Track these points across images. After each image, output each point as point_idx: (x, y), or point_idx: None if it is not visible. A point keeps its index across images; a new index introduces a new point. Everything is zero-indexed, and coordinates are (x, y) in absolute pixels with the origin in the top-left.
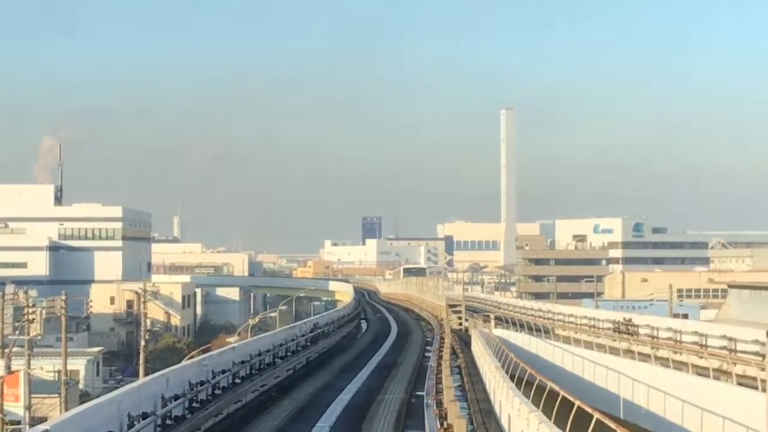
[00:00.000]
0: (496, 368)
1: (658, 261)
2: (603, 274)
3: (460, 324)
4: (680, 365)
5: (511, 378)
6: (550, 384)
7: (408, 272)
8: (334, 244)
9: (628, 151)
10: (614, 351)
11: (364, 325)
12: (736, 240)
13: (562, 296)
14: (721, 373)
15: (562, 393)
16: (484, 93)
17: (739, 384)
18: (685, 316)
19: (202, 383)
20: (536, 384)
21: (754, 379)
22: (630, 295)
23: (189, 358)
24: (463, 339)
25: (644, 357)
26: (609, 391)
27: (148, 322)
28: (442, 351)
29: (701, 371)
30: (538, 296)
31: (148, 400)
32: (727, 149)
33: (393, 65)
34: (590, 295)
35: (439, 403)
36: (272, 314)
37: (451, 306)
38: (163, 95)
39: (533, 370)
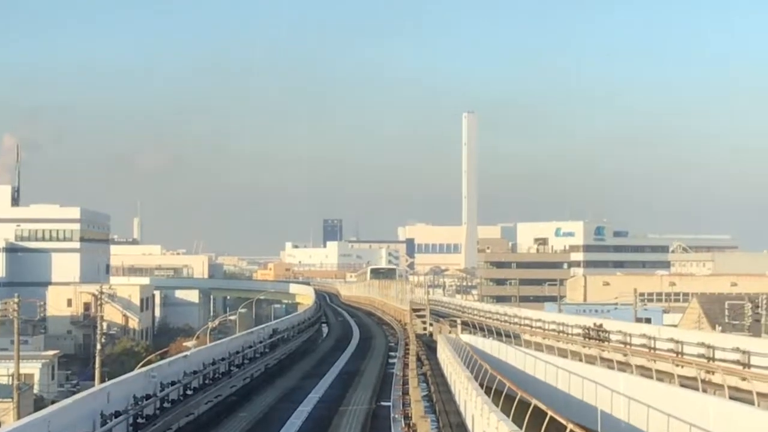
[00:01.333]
0: (467, 378)
1: (618, 264)
2: (564, 278)
3: (425, 329)
4: (663, 376)
5: (485, 389)
6: (534, 401)
7: (376, 273)
8: (295, 247)
9: (589, 155)
10: (590, 359)
11: (324, 329)
12: (696, 244)
13: (524, 299)
14: (698, 383)
15: (550, 413)
16: (446, 96)
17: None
18: (648, 321)
19: (148, 397)
20: (517, 399)
21: (737, 389)
22: (592, 298)
23: (146, 362)
24: (428, 344)
25: (613, 364)
26: (585, 402)
27: (105, 325)
28: (407, 358)
29: (680, 381)
30: (500, 299)
31: (84, 418)
32: (687, 154)
33: (355, 67)
34: (552, 299)
35: (407, 417)
36: (232, 317)
37: (415, 310)
38: (122, 96)
39: (513, 384)
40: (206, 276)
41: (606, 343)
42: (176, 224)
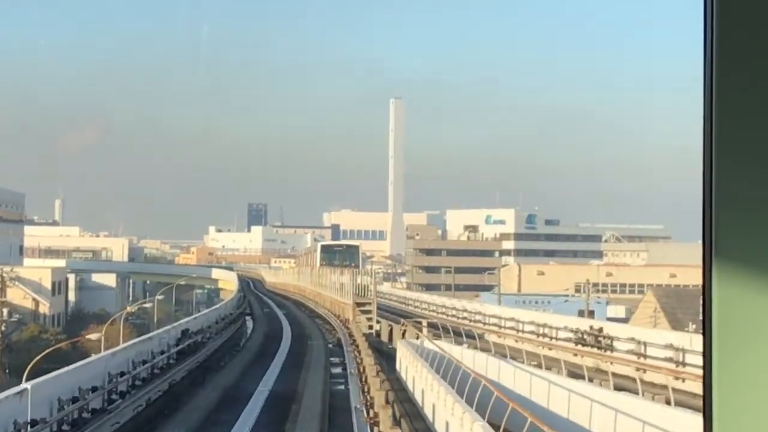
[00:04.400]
0: None
1: (550, 253)
2: (496, 266)
3: (371, 327)
4: None
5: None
6: None
7: (329, 253)
8: (219, 231)
9: (518, 143)
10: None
11: (249, 323)
12: (628, 234)
13: (455, 288)
14: None
15: None
16: (373, 82)
17: None
18: (591, 314)
19: None
20: None
21: None
22: (526, 288)
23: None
24: (375, 347)
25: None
26: None
27: (7, 311)
28: (365, 384)
29: None
30: (430, 288)
31: None
32: (620, 144)
33: (281, 51)
34: (484, 288)
35: None
36: (147, 305)
37: (358, 304)
38: (43, 74)
39: None
40: (126, 259)
41: (607, 352)
42: (99, 206)
